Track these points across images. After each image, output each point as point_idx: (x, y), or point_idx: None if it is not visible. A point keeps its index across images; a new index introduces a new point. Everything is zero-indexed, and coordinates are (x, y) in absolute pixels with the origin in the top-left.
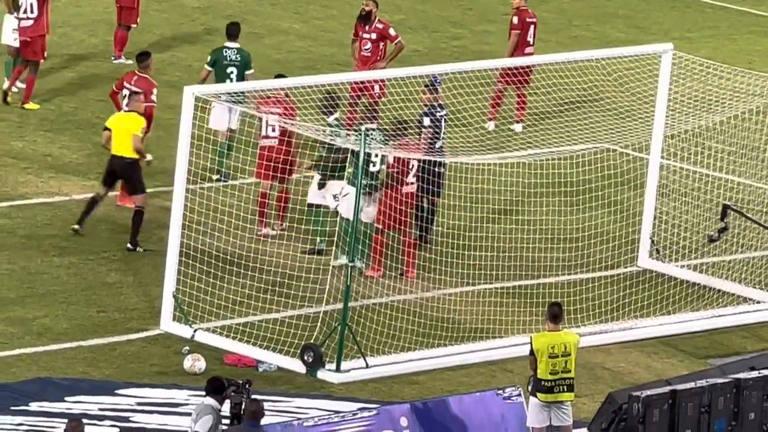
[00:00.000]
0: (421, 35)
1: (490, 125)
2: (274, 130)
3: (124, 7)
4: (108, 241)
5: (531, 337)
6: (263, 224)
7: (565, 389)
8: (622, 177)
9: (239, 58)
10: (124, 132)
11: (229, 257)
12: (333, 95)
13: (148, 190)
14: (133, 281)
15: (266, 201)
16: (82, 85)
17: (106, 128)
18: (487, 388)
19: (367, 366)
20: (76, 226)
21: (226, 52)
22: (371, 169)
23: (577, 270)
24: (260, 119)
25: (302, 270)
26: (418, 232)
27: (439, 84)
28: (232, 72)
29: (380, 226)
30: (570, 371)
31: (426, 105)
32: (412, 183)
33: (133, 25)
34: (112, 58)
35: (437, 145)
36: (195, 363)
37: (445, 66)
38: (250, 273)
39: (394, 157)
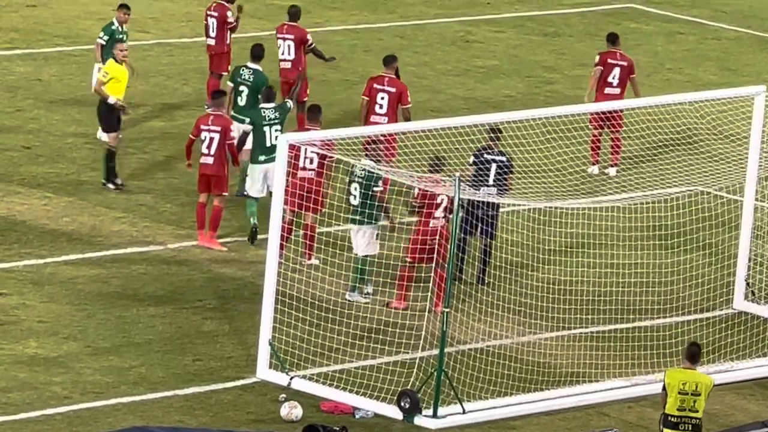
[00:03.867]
0: (515, 80)
1: (594, 169)
2: (311, 162)
3: (215, 55)
4: (203, 289)
5: (665, 372)
6: (309, 256)
7: (690, 428)
8: (716, 219)
9: (252, 79)
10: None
11: (324, 304)
12: (439, 159)
13: (245, 238)
14: (229, 329)
15: (292, 230)
16: (176, 134)
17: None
18: (584, 431)
19: (464, 411)
20: (117, 184)
21: (242, 70)
22: (352, 201)
23: (672, 313)
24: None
25: (398, 316)
26: (459, 265)
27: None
28: (243, 91)
29: (409, 260)
30: (697, 411)
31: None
32: (439, 218)
33: (224, 74)
34: (205, 106)
35: (483, 190)
36: (292, 410)
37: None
38: (345, 320)
39: (420, 191)
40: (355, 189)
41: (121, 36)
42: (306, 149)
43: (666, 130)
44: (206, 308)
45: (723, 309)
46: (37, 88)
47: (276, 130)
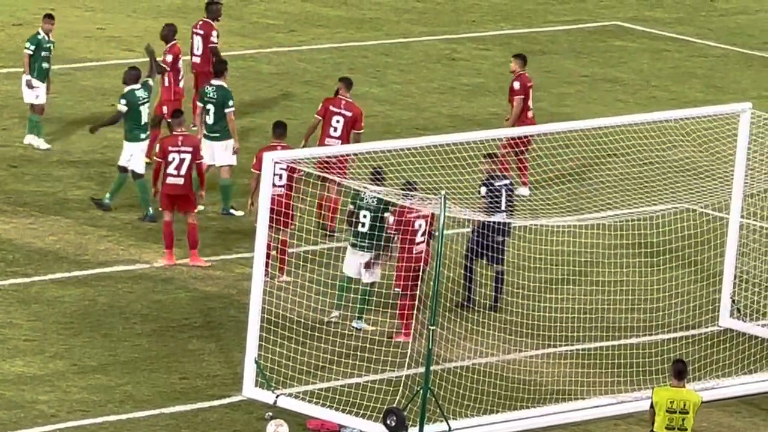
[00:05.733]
0: (500, 98)
1: (525, 190)
2: (281, 179)
3: (200, 73)
4: (189, 307)
5: (652, 390)
6: (283, 272)
7: None
8: (702, 237)
9: (216, 96)
10: None
11: (310, 322)
12: (380, 171)
13: (230, 257)
14: (215, 348)
15: (270, 251)
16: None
17: None
18: None
19: (450, 429)
20: None
21: (207, 88)
22: (360, 228)
23: (658, 330)
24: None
25: (383, 334)
26: (467, 295)
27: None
28: (209, 109)
29: (400, 290)
30: (686, 429)
31: (485, 175)
32: (420, 243)
33: None
34: (191, 126)
35: (497, 216)
36: (278, 429)
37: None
38: (331, 338)
39: (396, 219)
40: (365, 216)
41: (48, 45)
42: (275, 166)
43: (651, 148)
44: (192, 326)
45: (709, 326)
46: (22, 107)
47: (147, 108)
